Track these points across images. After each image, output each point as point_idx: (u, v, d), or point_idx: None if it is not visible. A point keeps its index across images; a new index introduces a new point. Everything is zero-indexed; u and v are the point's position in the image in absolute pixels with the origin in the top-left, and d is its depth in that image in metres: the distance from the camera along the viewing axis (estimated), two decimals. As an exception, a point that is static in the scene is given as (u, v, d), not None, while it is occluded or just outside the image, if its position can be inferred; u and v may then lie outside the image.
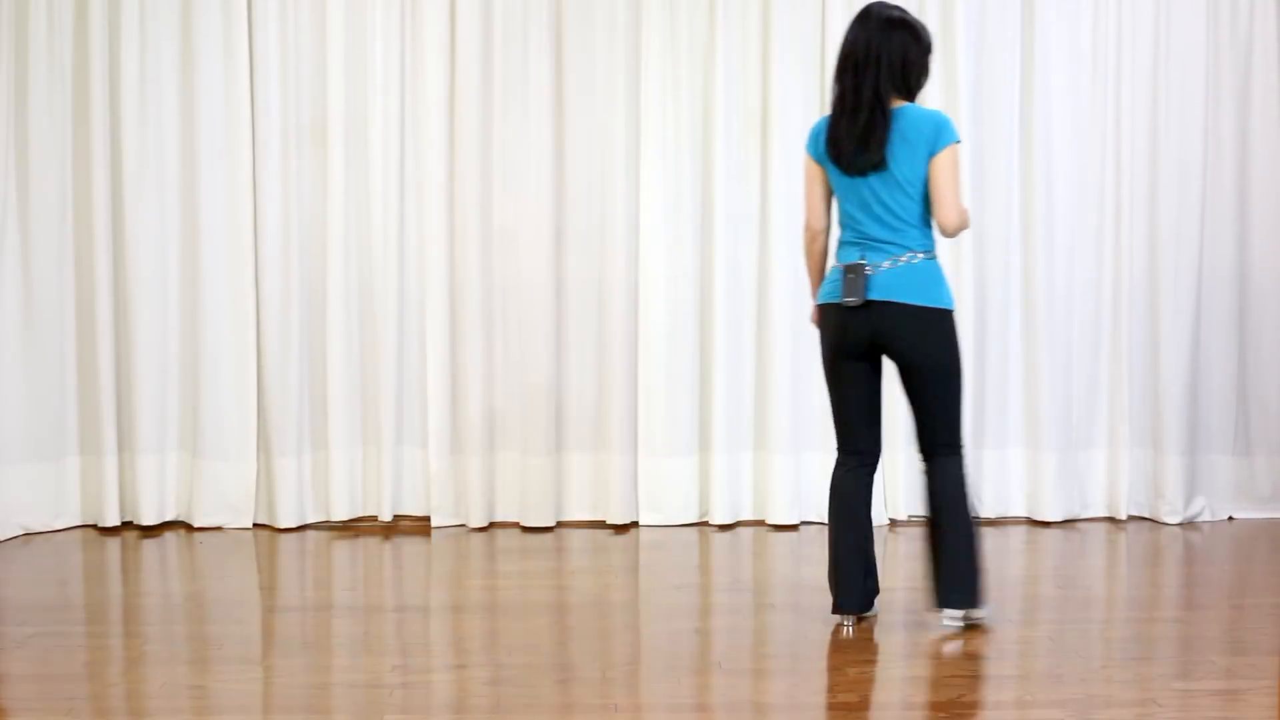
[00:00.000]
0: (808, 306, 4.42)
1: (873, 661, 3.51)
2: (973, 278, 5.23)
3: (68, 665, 3.46)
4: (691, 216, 5.21)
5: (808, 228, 3.86)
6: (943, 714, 3.09)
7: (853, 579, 3.78)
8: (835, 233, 3.88)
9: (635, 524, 5.24)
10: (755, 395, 5.27)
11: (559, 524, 5.24)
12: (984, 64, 5.25)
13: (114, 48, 5.08)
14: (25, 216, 5.05)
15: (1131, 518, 5.37)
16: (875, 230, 3.68)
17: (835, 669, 3.44)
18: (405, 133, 5.20)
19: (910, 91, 3.75)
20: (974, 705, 3.15)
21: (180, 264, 5.18)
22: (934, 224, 3.71)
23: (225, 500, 5.18)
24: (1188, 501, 5.33)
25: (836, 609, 3.81)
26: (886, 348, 3.71)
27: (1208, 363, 5.35)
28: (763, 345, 5.25)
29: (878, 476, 5.25)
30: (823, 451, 5.29)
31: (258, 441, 5.20)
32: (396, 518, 5.26)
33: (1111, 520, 5.36)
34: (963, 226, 3.69)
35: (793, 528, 5.19)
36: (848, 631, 3.76)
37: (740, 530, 5.19)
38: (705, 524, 5.25)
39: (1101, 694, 3.22)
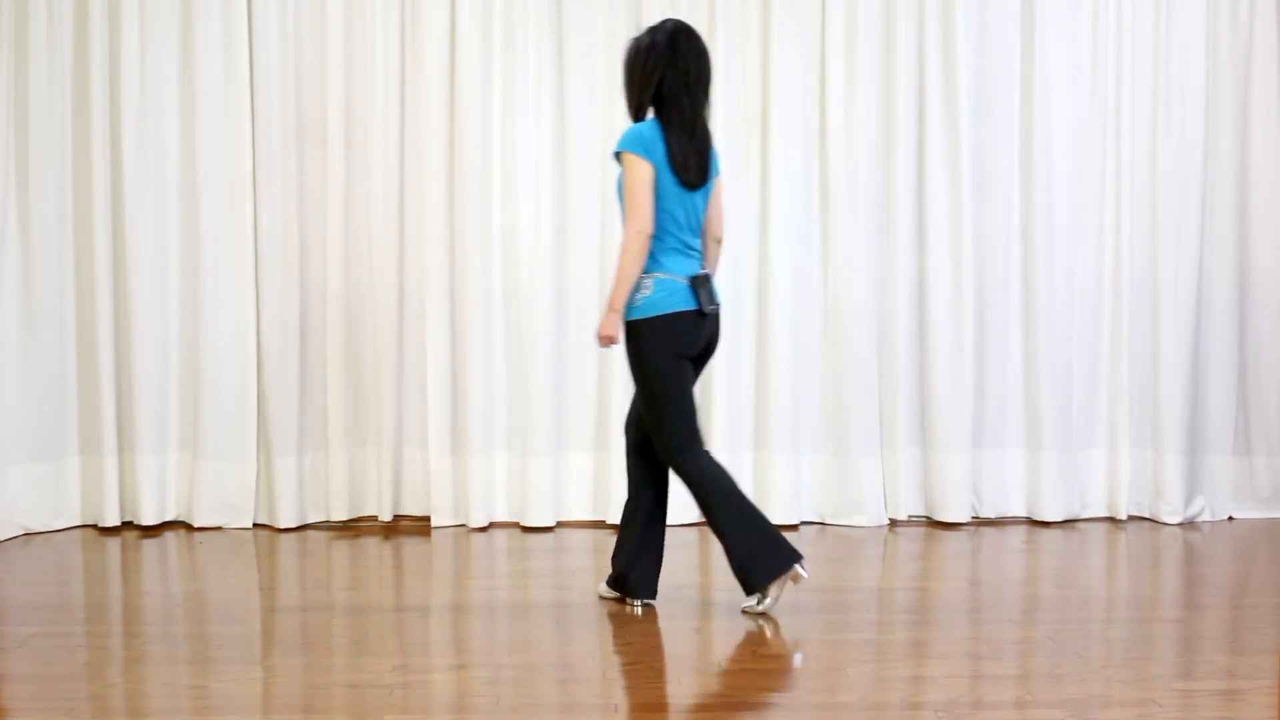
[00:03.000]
0: (596, 314, 4.28)
1: (873, 661, 3.51)
2: (973, 278, 5.23)
3: (68, 665, 3.46)
4: (691, 216, 5.21)
5: (643, 231, 3.82)
6: (943, 714, 3.09)
7: (773, 539, 3.90)
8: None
9: (635, 524, 5.23)
10: (755, 395, 5.27)
11: (559, 524, 5.24)
12: (984, 64, 5.25)
13: (114, 48, 5.08)
14: (25, 216, 5.05)
15: (1131, 518, 5.38)
16: (687, 239, 3.94)
17: (835, 669, 3.44)
18: (405, 133, 5.20)
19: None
20: (974, 705, 3.15)
21: (180, 264, 5.18)
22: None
23: (225, 500, 5.18)
24: (1188, 501, 5.33)
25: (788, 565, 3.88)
26: (708, 350, 4.01)
27: (1208, 363, 5.35)
28: (763, 345, 5.24)
29: (878, 474, 5.29)
30: (822, 452, 5.30)
31: (258, 441, 5.20)
32: (396, 518, 5.26)
33: (1111, 520, 5.37)
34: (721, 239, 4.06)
35: (793, 528, 5.19)
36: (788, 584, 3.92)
37: (740, 530, 5.18)
38: (705, 524, 5.24)
39: (1101, 694, 3.22)
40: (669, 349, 3.85)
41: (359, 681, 3.33)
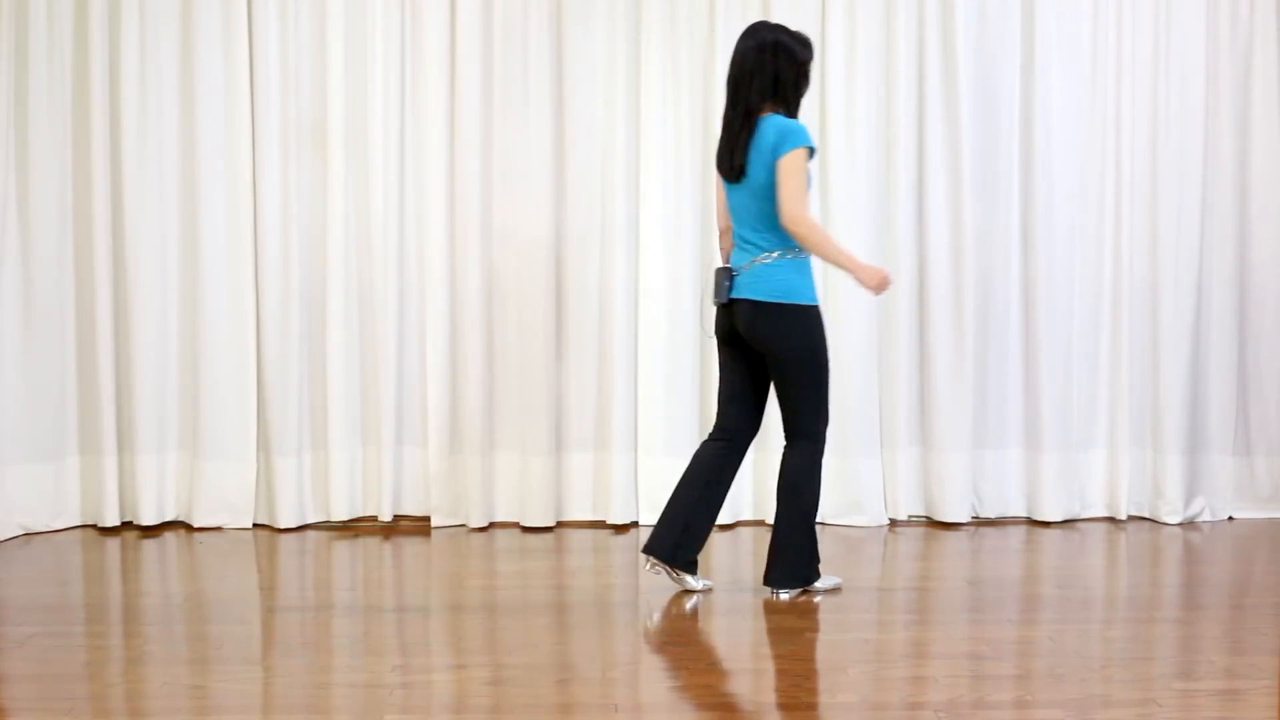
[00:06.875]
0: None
1: (873, 661, 3.51)
2: (973, 278, 5.23)
3: (68, 665, 3.46)
4: (691, 216, 5.22)
5: (718, 227, 4.31)
6: (943, 714, 3.09)
7: (668, 526, 4.14)
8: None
9: (635, 524, 5.24)
10: (755, 395, 5.27)
11: (559, 524, 5.24)
12: (984, 64, 5.26)
13: (114, 48, 5.08)
14: (25, 216, 5.05)
15: (1131, 518, 5.38)
16: (743, 232, 4.10)
17: (835, 669, 3.44)
18: (405, 133, 5.20)
19: (786, 104, 4.08)
20: (974, 705, 3.15)
21: (180, 264, 5.18)
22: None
23: (225, 500, 5.18)
24: (1188, 501, 5.33)
25: (645, 548, 4.20)
26: (754, 342, 4.09)
27: (1208, 363, 5.35)
28: (763, 345, 5.24)
29: (878, 474, 5.29)
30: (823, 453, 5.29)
31: (258, 441, 5.20)
32: (396, 518, 5.26)
33: (1111, 520, 5.37)
34: (794, 225, 3.93)
35: (793, 528, 5.18)
36: (650, 568, 4.20)
37: (740, 530, 5.19)
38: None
39: (1101, 694, 3.22)
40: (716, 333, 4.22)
41: (359, 681, 3.33)
